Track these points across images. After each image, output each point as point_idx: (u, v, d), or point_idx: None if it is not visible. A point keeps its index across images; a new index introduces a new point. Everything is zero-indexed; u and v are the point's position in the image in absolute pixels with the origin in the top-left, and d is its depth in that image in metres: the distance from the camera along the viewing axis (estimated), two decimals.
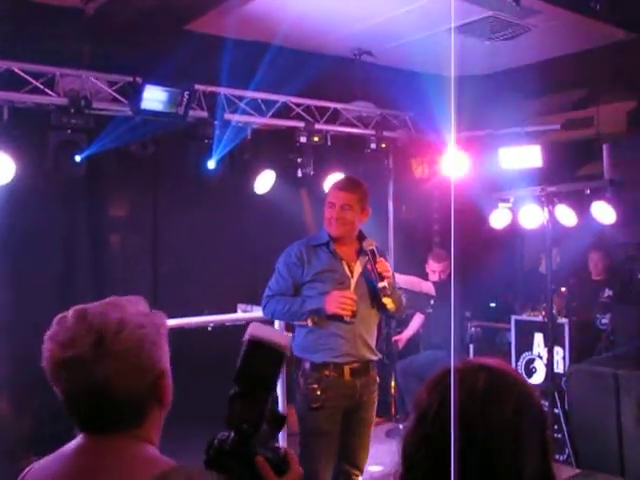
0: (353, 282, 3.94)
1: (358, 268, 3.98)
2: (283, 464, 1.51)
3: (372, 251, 3.90)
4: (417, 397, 1.44)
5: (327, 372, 3.87)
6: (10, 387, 5.38)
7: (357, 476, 4.04)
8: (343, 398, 3.90)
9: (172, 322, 4.99)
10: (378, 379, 4.12)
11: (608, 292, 6.68)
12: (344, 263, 3.96)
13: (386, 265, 3.91)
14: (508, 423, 1.33)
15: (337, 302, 3.81)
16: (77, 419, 1.55)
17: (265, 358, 1.52)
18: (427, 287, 6.69)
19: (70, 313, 1.55)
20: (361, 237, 4.06)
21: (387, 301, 3.90)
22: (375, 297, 3.95)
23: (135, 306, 1.60)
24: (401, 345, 7.07)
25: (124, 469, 1.49)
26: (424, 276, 6.89)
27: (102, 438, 1.52)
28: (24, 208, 5.46)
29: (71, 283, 6.12)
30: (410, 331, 7.09)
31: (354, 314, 3.84)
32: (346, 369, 3.89)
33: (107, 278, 6.28)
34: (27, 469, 1.60)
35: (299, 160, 6.50)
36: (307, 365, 3.90)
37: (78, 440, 1.56)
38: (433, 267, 6.81)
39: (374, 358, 4.05)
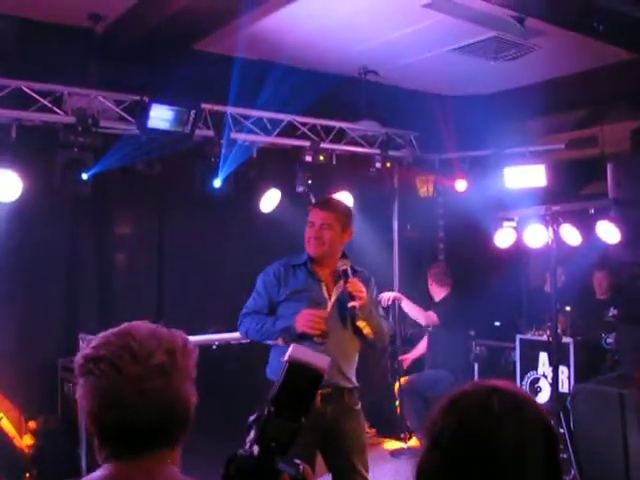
0: (330, 304, 3.82)
1: (337, 291, 3.86)
2: None
3: (345, 271, 3.79)
4: (430, 421, 1.45)
5: None
6: (15, 405, 5.38)
7: None
8: (313, 424, 3.61)
9: None
10: (359, 405, 3.94)
11: (613, 311, 6.66)
12: (323, 284, 3.86)
13: (358, 285, 3.77)
14: (524, 442, 1.36)
15: (305, 320, 3.70)
16: (118, 441, 1.50)
17: (303, 381, 1.53)
18: (431, 319, 6.70)
19: (127, 328, 1.54)
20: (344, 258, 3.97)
21: (362, 325, 3.80)
22: (353, 322, 3.83)
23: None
24: (406, 365, 7.07)
25: None
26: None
27: (133, 463, 1.49)
28: (31, 225, 5.49)
29: (77, 300, 6.14)
30: (417, 352, 7.10)
31: (323, 334, 3.71)
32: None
33: (113, 295, 6.30)
34: None
35: (296, 180, 6.51)
36: None
37: (106, 469, 1.51)
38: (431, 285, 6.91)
39: (348, 386, 3.87)
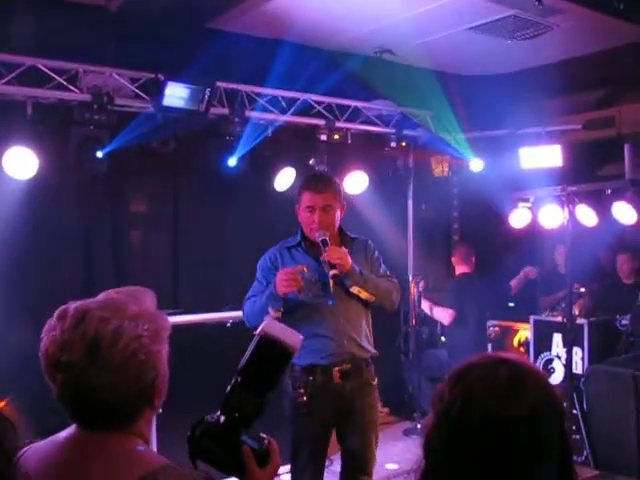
0: (331, 280, 3.72)
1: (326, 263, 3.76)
2: (266, 455, 1.53)
3: (323, 241, 3.72)
4: (438, 393, 1.45)
5: (314, 376, 3.73)
6: (29, 382, 5.42)
7: None
8: (332, 402, 3.76)
9: (191, 318, 5.01)
10: (376, 381, 3.94)
11: None
12: (324, 262, 3.76)
13: (336, 252, 3.69)
14: (530, 414, 1.36)
15: (281, 280, 3.63)
16: (69, 413, 1.57)
17: (273, 356, 1.53)
18: (444, 316, 6.73)
19: (71, 311, 1.54)
20: (342, 233, 3.96)
21: (356, 290, 3.74)
22: (347, 289, 3.77)
23: (139, 305, 1.58)
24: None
25: (116, 463, 1.50)
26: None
27: (94, 432, 1.54)
28: (46, 203, 5.51)
29: (92, 278, 6.16)
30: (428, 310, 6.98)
31: (301, 288, 3.64)
32: (335, 372, 3.75)
33: (127, 273, 6.31)
34: (24, 450, 1.60)
35: (313, 158, 6.47)
36: (295, 368, 3.76)
37: (71, 430, 1.58)
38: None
39: (365, 356, 3.87)
